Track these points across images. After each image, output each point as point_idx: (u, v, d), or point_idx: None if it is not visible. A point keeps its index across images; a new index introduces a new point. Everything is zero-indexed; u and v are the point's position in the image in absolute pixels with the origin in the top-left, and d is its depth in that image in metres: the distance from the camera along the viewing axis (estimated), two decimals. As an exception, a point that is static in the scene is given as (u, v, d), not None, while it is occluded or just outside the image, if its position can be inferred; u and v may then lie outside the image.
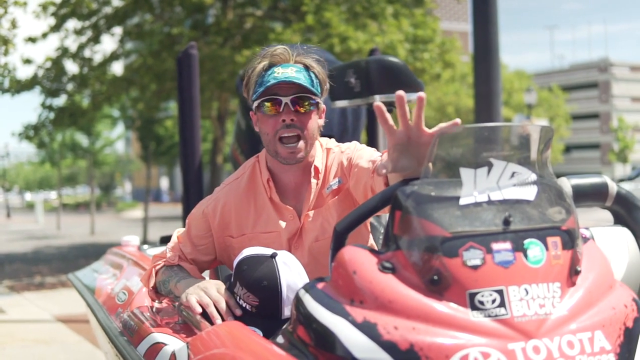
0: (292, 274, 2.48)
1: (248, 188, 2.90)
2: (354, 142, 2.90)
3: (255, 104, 2.76)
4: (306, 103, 2.71)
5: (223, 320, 2.50)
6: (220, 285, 2.63)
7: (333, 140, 2.98)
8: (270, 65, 2.74)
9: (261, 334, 2.42)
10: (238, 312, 2.52)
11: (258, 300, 2.48)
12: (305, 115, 2.73)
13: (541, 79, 65.79)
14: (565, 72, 71.91)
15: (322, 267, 2.76)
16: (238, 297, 2.53)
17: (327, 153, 2.89)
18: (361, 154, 2.76)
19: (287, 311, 2.47)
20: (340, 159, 2.84)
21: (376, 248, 2.53)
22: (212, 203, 2.93)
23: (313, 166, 2.84)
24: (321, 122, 2.84)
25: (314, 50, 2.85)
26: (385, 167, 2.10)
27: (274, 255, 2.49)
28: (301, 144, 2.73)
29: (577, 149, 68.99)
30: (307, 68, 2.76)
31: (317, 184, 2.83)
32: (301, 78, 2.70)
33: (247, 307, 2.51)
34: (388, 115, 2.04)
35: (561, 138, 49.45)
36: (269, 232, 2.84)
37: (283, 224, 2.83)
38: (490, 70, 8.20)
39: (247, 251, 2.55)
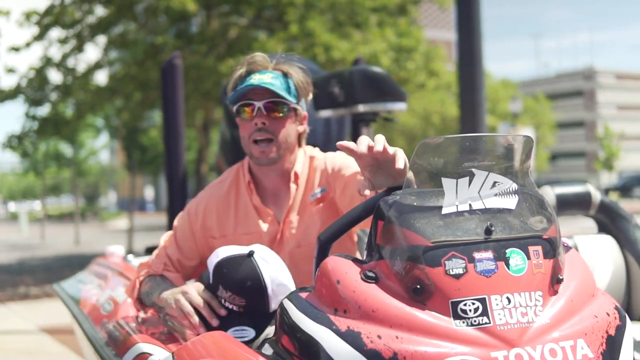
0: (272, 268, 2.49)
1: (230, 190, 2.96)
2: (340, 152, 2.93)
3: (235, 109, 2.83)
4: (279, 108, 2.77)
5: (207, 325, 2.52)
6: (199, 287, 2.63)
7: (317, 149, 3.02)
8: (249, 72, 2.82)
9: (253, 332, 2.47)
10: (222, 312, 2.53)
11: (244, 300, 2.49)
12: (278, 120, 2.78)
13: (526, 88, 65.98)
14: (551, 80, 72.20)
15: (302, 274, 2.77)
16: (223, 300, 2.53)
17: (310, 161, 2.93)
18: (348, 164, 2.81)
19: (274, 305, 2.50)
20: (324, 167, 2.89)
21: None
22: (194, 205, 2.99)
23: (293, 172, 2.89)
24: (301, 128, 2.91)
25: (296, 59, 2.90)
26: (367, 187, 2.15)
27: (251, 254, 2.50)
28: (273, 146, 2.79)
29: (563, 157, 69.23)
30: (285, 75, 2.81)
31: (296, 189, 2.88)
32: (276, 84, 2.75)
33: (234, 308, 2.52)
34: (352, 145, 2.10)
35: (547, 146, 49.58)
36: (250, 233, 2.89)
37: (263, 225, 2.88)
38: (474, 79, 8.23)
39: (223, 252, 2.54)
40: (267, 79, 2.76)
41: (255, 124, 2.76)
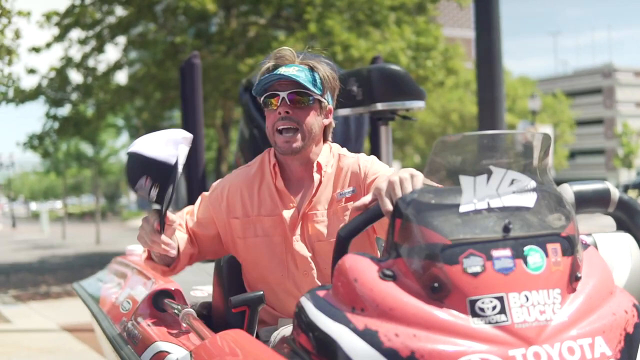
0: (144, 142, 2.63)
1: (256, 174, 3.00)
2: (372, 157, 2.97)
3: (262, 101, 2.88)
4: (304, 99, 2.81)
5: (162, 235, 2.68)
6: (149, 218, 2.72)
7: (345, 149, 3.05)
8: (276, 67, 2.86)
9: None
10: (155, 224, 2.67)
11: (151, 178, 2.61)
12: (303, 109, 2.82)
13: (545, 85, 65.70)
14: (569, 78, 71.84)
15: (321, 269, 2.80)
16: (150, 191, 2.63)
17: (338, 158, 2.97)
18: (379, 169, 2.85)
19: (167, 154, 2.60)
20: (357, 169, 2.90)
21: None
22: (220, 185, 3.06)
23: (316, 162, 2.91)
24: (327, 121, 2.94)
25: (323, 57, 2.94)
26: None
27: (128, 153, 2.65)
28: (298, 135, 2.82)
29: (582, 155, 68.89)
30: (311, 69, 2.86)
31: (319, 180, 2.90)
32: (301, 76, 2.80)
33: (157, 190, 2.62)
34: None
35: (565, 144, 49.36)
36: (272, 215, 2.92)
37: (285, 211, 2.90)
38: (493, 76, 8.21)
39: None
40: (292, 71, 2.81)
41: (279, 112, 2.81)
